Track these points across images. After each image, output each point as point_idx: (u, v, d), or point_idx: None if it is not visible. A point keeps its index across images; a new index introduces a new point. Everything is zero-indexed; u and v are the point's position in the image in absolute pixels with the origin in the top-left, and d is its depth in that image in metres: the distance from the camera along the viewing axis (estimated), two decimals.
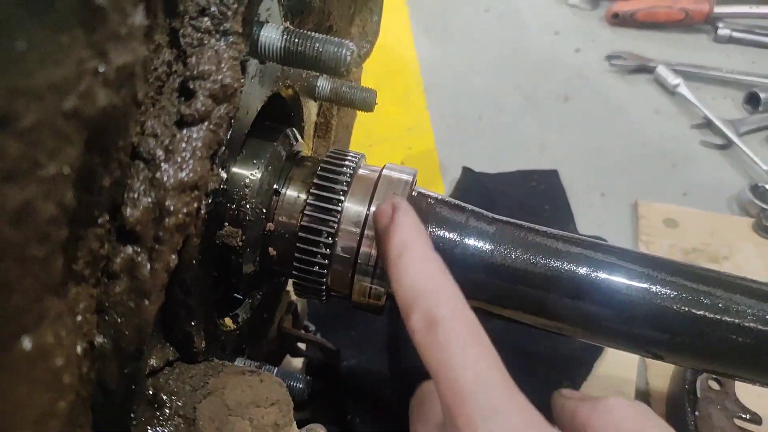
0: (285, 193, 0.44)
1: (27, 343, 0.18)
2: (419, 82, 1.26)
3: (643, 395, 0.74)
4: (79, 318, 0.26)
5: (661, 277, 0.41)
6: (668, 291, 0.40)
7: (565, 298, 0.41)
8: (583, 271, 0.42)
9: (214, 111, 0.31)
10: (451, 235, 0.43)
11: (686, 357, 0.43)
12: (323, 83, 0.54)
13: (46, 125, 0.18)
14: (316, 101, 0.56)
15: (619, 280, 0.41)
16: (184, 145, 0.30)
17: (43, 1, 0.18)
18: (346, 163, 0.44)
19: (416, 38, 1.39)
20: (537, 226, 0.47)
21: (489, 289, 0.43)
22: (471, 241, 0.43)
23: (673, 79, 1.23)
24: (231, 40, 0.32)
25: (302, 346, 0.76)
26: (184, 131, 0.30)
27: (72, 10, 0.19)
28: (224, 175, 0.36)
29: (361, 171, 0.45)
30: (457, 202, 0.47)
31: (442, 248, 0.42)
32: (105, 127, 0.22)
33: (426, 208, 0.44)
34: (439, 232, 0.43)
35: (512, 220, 0.47)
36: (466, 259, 0.43)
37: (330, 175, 0.43)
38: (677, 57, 1.31)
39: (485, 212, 0.47)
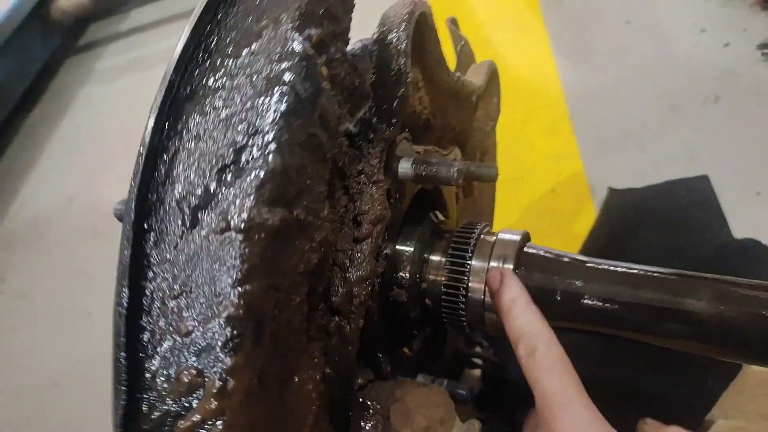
0: (431, 259, 0.63)
1: (296, 379, 0.40)
2: (564, 111, 1.38)
3: None
4: (316, 360, 0.48)
5: None
6: None
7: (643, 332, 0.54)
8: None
9: (374, 230, 0.52)
10: (549, 283, 0.59)
11: None
12: (459, 166, 0.73)
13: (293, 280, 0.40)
14: None
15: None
16: (359, 254, 0.51)
17: None
18: (472, 233, 0.62)
19: (559, 65, 1.50)
20: (628, 268, 0.59)
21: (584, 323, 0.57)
22: (564, 287, 0.58)
23: None
24: (378, 185, 0.52)
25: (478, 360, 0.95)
26: (358, 246, 0.51)
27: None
28: (384, 266, 0.56)
29: (483, 236, 0.62)
30: (557, 254, 0.61)
31: (543, 293, 0.58)
32: (319, 268, 0.44)
33: (531, 262, 0.60)
34: (540, 282, 0.59)
35: (603, 265, 0.59)
36: (562, 303, 0.58)
37: (460, 244, 0.62)
38: None
39: (579, 259, 0.60)
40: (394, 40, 0.47)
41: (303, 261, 0.40)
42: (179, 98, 0.37)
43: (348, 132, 0.50)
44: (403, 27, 0.47)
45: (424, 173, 0.56)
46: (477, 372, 0.96)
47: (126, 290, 0.34)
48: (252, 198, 0.35)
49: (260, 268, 0.35)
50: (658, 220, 1.06)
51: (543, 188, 1.23)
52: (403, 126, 0.60)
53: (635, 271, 0.58)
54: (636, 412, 0.85)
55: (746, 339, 0.51)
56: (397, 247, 0.62)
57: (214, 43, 0.38)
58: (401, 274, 0.61)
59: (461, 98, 0.68)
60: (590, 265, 0.60)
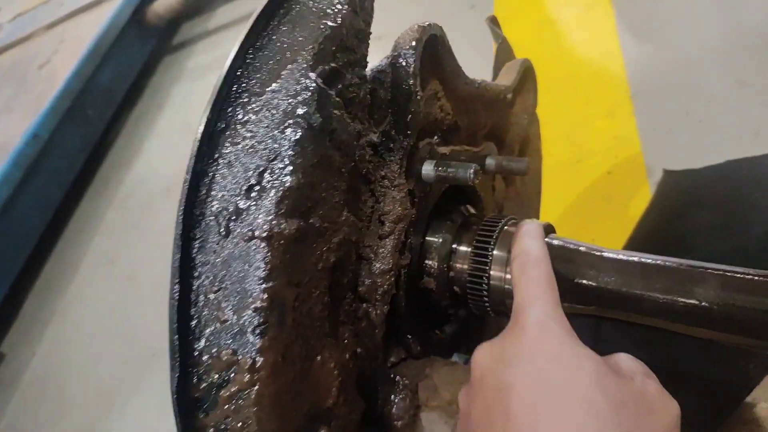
0: (459, 249, 0.69)
1: (318, 358, 0.49)
2: (626, 91, 1.36)
3: None
4: (346, 341, 0.57)
5: None
6: None
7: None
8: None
9: (396, 228, 0.59)
10: (566, 270, 0.63)
11: None
12: (490, 161, 0.78)
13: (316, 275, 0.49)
14: (485, 174, 0.80)
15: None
16: (383, 250, 0.58)
17: None
18: (496, 225, 0.68)
19: (623, 42, 1.48)
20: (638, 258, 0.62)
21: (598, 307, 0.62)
22: (580, 275, 0.62)
23: None
24: (399, 188, 0.59)
25: None
26: (382, 242, 0.59)
27: None
28: (409, 258, 0.63)
29: (506, 228, 0.68)
30: (576, 245, 0.65)
31: (560, 280, 0.63)
32: (340, 264, 0.52)
33: (549, 251, 0.65)
34: (555, 269, 0.63)
35: (618, 255, 0.63)
36: (578, 290, 0.62)
37: (484, 235, 0.67)
38: None
39: (596, 249, 0.64)
40: (404, 63, 0.53)
41: (321, 260, 0.48)
42: (215, 131, 0.46)
43: (371, 142, 0.57)
44: (411, 52, 0.53)
45: (444, 174, 0.63)
46: None
47: (177, 286, 0.43)
48: (272, 212, 0.43)
49: (281, 268, 0.44)
50: (714, 201, 1.04)
51: (600, 170, 1.24)
52: (430, 131, 0.66)
53: (647, 261, 0.61)
54: (675, 393, 0.87)
55: (749, 326, 0.54)
56: (427, 238, 0.68)
57: (244, 83, 0.47)
58: (430, 263, 0.68)
59: (488, 99, 0.73)
60: (606, 255, 0.64)
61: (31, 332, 1.88)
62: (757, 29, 1.29)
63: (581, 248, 0.65)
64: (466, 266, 0.68)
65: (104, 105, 2.56)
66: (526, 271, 0.54)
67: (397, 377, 0.64)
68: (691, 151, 1.15)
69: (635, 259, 0.62)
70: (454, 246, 0.69)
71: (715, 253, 0.96)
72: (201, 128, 0.45)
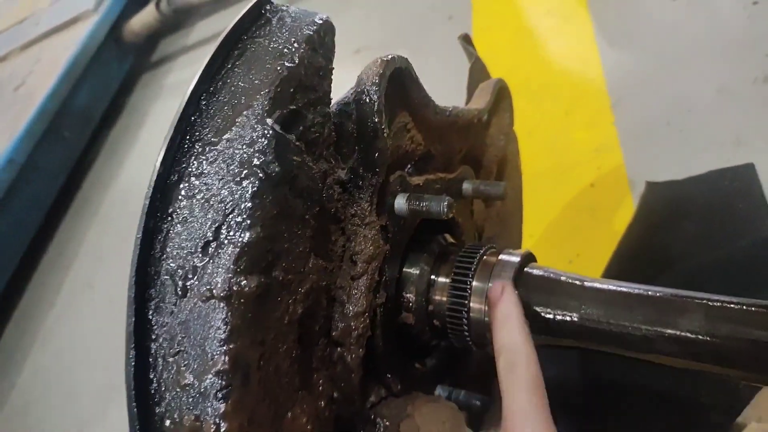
0: (437, 281, 0.67)
1: (289, 415, 0.46)
2: (606, 100, 1.35)
3: None
4: (321, 388, 0.54)
5: None
6: None
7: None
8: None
9: (369, 268, 0.57)
10: (546, 302, 0.61)
11: None
12: (466, 186, 0.76)
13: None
14: (463, 199, 0.78)
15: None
16: (356, 291, 0.56)
17: None
18: (474, 255, 0.66)
19: (602, 51, 1.47)
20: (624, 287, 0.60)
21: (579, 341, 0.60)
22: (561, 307, 0.60)
23: None
24: (371, 226, 0.57)
25: None
26: (355, 282, 0.57)
27: None
28: (385, 296, 0.61)
29: (485, 258, 0.66)
30: (556, 274, 0.64)
31: (539, 312, 0.61)
32: (309, 312, 0.50)
33: (530, 282, 0.63)
34: (536, 301, 0.62)
35: (600, 285, 0.61)
36: (558, 322, 0.60)
37: (463, 266, 0.65)
38: None
39: (578, 279, 0.62)
40: (367, 100, 0.51)
41: (287, 313, 0.46)
42: (169, 184, 0.43)
43: (339, 180, 0.55)
44: (375, 88, 0.51)
45: (417, 209, 0.61)
46: None
47: (133, 351, 0.41)
48: (230, 269, 0.41)
49: (242, 327, 0.41)
50: (698, 212, 1.03)
51: (583, 182, 1.22)
52: (402, 162, 0.65)
53: (630, 292, 0.59)
54: (665, 414, 0.85)
55: (735, 358, 0.52)
56: (404, 271, 0.66)
57: (197, 131, 0.45)
58: (407, 297, 0.66)
59: (462, 125, 0.71)
60: (588, 285, 0.62)
61: (11, 362, 1.84)
62: (735, 36, 1.29)
63: (562, 278, 0.63)
64: (444, 299, 0.66)
65: (82, 125, 2.53)
66: (515, 372, 0.52)
67: (377, 419, 0.62)
68: (673, 161, 1.14)
69: (617, 288, 0.60)
70: (432, 278, 0.67)
71: (700, 265, 0.95)
72: (152, 181, 0.43)
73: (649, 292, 0.58)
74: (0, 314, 2.00)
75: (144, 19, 2.78)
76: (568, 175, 1.25)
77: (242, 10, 0.51)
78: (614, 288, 0.60)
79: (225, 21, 2.77)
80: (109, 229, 2.16)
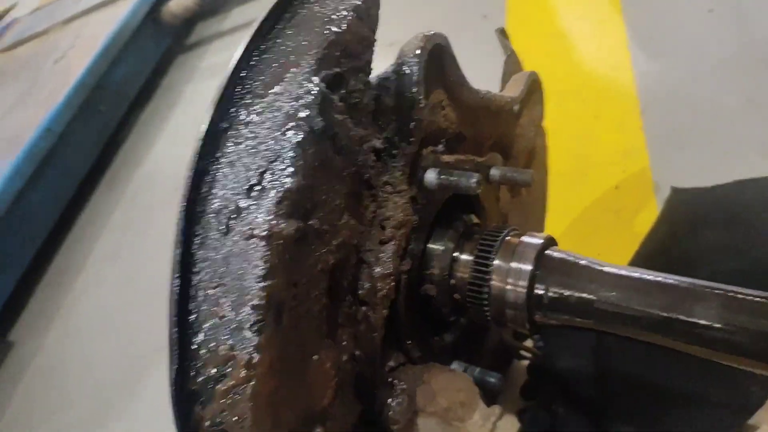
0: (460, 257, 0.69)
1: (315, 358, 0.49)
2: (636, 104, 1.36)
3: None
4: (344, 344, 0.57)
5: None
6: None
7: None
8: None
9: (397, 234, 0.59)
10: (565, 284, 0.63)
11: None
12: (494, 172, 0.78)
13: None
14: (490, 184, 0.80)
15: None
16: (383, 254, 0.59)
17: None
18: (498, 235, 0.68)
19: (634, 57, 1.48)
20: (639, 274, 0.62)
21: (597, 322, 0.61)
22: (579, 289, 0.62)
23: None
24: (402, 194, 0.60)
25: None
26: (383, 246, 0.59)
27: None
28: (410, 264, 0.63)
29: (508, 239, 0.68)
30: (576, 258, 0.65)
31: (559, 294, 0.62)
32: (339, 266, 0.52)
33: (550, 264, 0.65)
34: (555, 282, 0.63)
35: (618, 270, 0.63)
36: (577, 304, 0.62)
37: (486, 245, 0.67)
38: None
39: (597, 263, 0.64)
40: (407, 71, 0.54)
41: (320, 262, 0.48)
42: (218, 131, 0.46)
43: (375, 148, 0.58)
44: (415, 60, 0.53)
45: (447, 182, 0.63)
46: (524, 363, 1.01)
47: (177, 280, 0.44)
48: (272, 212, 0.44)
49: (279, 267, 0.44)
50: (721, 220, 1.04)
51: (607, 184, 1.23)
52: (435, 139, 0.67)
53: (648, 278, 0.61)
54: (676, 412, 0.86)
55: (749, 347, 0.54)
56: (428, 246, 0.69)
57: (248, 84, 0.48)
58: (431, 270, 0.68)
59: (494, 111, 0.74)
60: (606, 269, 0.63)
61: (39, 324, 1.90)
62: (766, 48, 1.29)
63: (581, 262, 0.65)
64: (467, 275, 0.68)
65: (117, 102, 2.59)
66: None
67: (395, 381, 0.64)
68: (699, 168, 1.15)
69: (636, 274, 0.62)
70: (455, 254, 0.69)
71: (720, 273, 0.95)
72: (204, 127, 0.46)
73: (668, 280, 0.60)
74: (31, 278, 2.06)
75: (182, 1, 2.84)
76: (593, 175, 1.26)
77: None
78: (633, 273, 0.62)
79: (261, 8, 2.82)
80: (137, 204, 2.21)
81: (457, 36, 2.13)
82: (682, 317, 0.57)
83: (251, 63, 0.48)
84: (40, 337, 1.84)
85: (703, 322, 0.56)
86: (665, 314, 0.58)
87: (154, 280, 1.79)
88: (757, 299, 0.55)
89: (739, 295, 0.56)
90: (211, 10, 3.02)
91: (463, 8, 2.01)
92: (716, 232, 1.04)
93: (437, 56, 0.58)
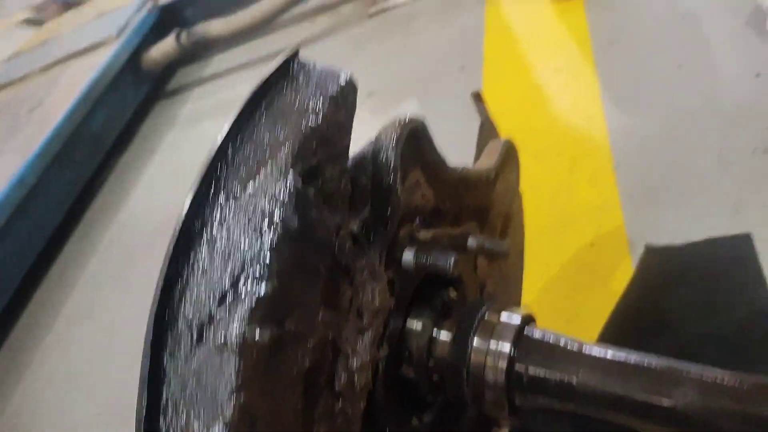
0: (438, 336, 0.69)
1: None
2: (609, 159, 1.39)
3: None
4: None
5: None
6: None
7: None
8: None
9: (375, 322, 0.58)
10: (544, 365, 0.63)
11: None
12: (471, 242, 0.78)
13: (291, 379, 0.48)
14: (467, 254, 0.80)
15: None
16: (360, 344, 0.58)
17: None
18: (476, 313, 0.67)
19: (607, 111, 1.51)
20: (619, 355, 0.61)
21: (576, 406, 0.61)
22: (558, 371, 0.62)
23: None
24: (379, 279, 0.59)
25: None
26: (360, 336, 0.58)
27: None
28: (388, 349, 0.62)
29: (486, 316, 0.67)
30: (556, 338, 0.65)
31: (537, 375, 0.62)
32: (316, 365, 0.51)
33: (528, 344, 0.64)
34: (534, 363, 0.63)
35: (597, 353, 0.62)
36: (555, 386, 0.61)
37: (464, 324, 0.67)
38: None
39: (577, 344, 0.64)
40: (383, 159, 0.54)
41: (296, 365, 0.47)
42: (192, 231, 0.46)
43: (351, 232, 0.57)
44: (392, 148, 0.54)
45: (424, 263, 0.63)
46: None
47: (146, 394, 0.42)
48: (245, 320, 0.43)
49: (252, 379, 0.43)
50: (695, 279, 1.05)
51: (583, 241, 1.24)
52: (412, 216, 0.67)
53: (628, 360, 0.61)
54: None
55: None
56: (407, 324, 0.68)
57: (222, 182, 0.47)
58: (409, 351, 0.67)
59: (471, 183, 0.74)
60: (586, 350, 0.63)
61: (3, 385, 1.82)
62: (737, 106, 1.33)
63: (561, 341, 0.65)
64: (445, 355, 0.67)
65: (94, 150, 2.57)
66: None
67: None
68: (672, 225, 1.17)
69: (615, 355, 0.62)
70: (434, 333, 0.69)
71: (696, 334, 0.96)
72: (176, 229, 0.45)
73: (646, 362, 0.60)
74: None
75: (163, 48, 2.85)
76: (569, 232, 1.27)
77: (271, 64, 0.54)
78: (612, 355, 0.62)
79: (243, 55, 2.84)
80: (112, 255, 2.17)
81: (435, 85, 2.18)
82: (661, 402, 0.56)
83: (227, 158, 0.48)
84: (2, 399, 1.77)
85: (681, 407, 0.55)
86: (644, 398, 0.57)
87: (128, 343, 1.74)
88: (735, 383, 0.55)
89: (717, 379, 0.56)
90: (192, 56, 3.04)
91: (441, 59, 2.05)
92: (692, 291, 1.05)
93: (414, 142, 0.59)
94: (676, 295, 1.04)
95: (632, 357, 0.61)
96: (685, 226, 1.15)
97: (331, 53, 2.47)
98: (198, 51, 3.01)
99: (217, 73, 2.95)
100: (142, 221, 2.24)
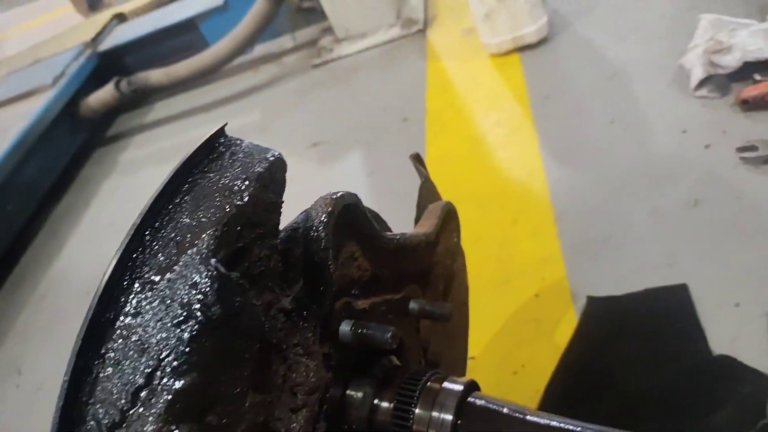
0: (380, 405, 0.66)
1: None
2: (550, 211, 1.41)
3: None
4: None
5: None
6: None
7: None
8: None
9: (309, 400, 0.56)
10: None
11: None
12: (413, 306, 0.77)
13: None
14: (410, 317, 0.78)
15: None
16: (294, 424, 0.55)
17: None
18: (417, 382, 0.66)
19: (546, 164, 1.55)
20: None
21: None
22: None
23: None
24: (313, 357, 0.56)
25: None
26: (295, 415, 0.55)
27: None
28: (324, 426, 0.60)
29: (429, 384, 0.66)
30: (498, 405, 0.64)
31: None
32: None
33: (471, 412, 0.63)
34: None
35: (541, 420, 0.62)
36: None
37: (406, 393, 0.65)
38: None
39: (520, 411, 0.63)
40: (315, 236, 0.52)
41: None
42: (104, 323, 0.42)
43: (283, 308, 0.55)
44: (323, 226, 0.52)
45: (362, 337, 0.60)
46: None
47: None
48: (161, 419, 0.39)
49: None
50: (637, 330, 1.07)
51: (528, 293, 1.25)
52: (348, 288, 0.65)
53: (567, 428, 0.60)
54: None
55: None
56: (347, 395, 0.65)
57: (138, 269, 0.44)
58: (351, 421, 0.64)
59: (410, 249, 0.73)
60: (529, 419, 0.62)
61: None
62: (667, 161, 1.38)
63: (504, 410, 0.63)
64: (386, 426, 0.64)
65: (26, 199, 2.45)
66: None
67: None
68: (612, 276, 1.19)
69: (557, 424, 0.61)
70: (375, 403, 0.66)
71: (639, 389, 0.97)
72: (87, 319, 0.42)
73: (587, 430, 0.59)
74: None
75: (102, 96, 2.79)
76: (513, 284, 1.28)
77: (197, 141, 0.52)
78: (554, 424, 0.61)
79: (183, 103, 2.79)
80: (43, 311, 2.05)
81: (378, 136, 2.19)
82: None
83: (144, 243, 0.45)
84: None
85: None
86: None
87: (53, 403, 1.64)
88: None
89: None
90: (132, 103, 2.98)
91: (385, 111, 2.08)
92: (632, 342, 1.06)
93: (347, 216, 0.57)
94: (619, 347, 1.05)
95: (573, 426, 0.60)
96: (625, 278, 1.17)
97: (275, 102, 2.47)
98: (138, 99, 2.95)
99: (159, 119, 2.90)
100: (76, 273, 2.13)
